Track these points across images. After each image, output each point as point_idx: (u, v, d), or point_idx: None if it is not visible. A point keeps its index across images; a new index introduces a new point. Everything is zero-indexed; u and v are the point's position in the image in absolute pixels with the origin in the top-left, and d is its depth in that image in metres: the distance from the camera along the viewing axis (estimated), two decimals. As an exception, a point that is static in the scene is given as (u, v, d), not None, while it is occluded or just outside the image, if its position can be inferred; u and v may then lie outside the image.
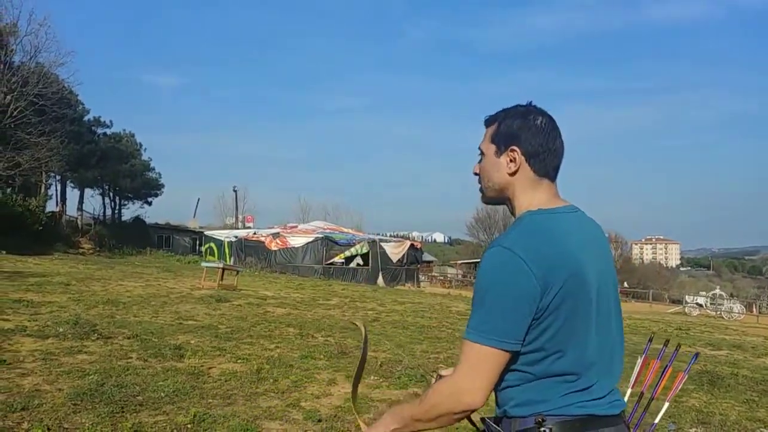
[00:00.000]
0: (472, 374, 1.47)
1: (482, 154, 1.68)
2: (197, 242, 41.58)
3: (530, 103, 1.66)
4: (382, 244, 33.90)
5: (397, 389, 6.39)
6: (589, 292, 1.50)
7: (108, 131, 40.83)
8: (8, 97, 26.21)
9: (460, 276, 47.19)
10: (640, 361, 2.46)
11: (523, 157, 1.60)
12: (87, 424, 4.37)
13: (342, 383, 6.45)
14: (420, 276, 36.95)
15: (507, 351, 1.46)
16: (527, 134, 1.59)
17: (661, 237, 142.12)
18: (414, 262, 35.75)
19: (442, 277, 44.56)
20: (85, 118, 38.33)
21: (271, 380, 6.27)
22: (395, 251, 33.60)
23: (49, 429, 4.24)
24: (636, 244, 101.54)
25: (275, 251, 33.29)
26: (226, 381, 6.06)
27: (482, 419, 1.64)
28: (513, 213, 1.64)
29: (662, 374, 2.38)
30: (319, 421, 5.08)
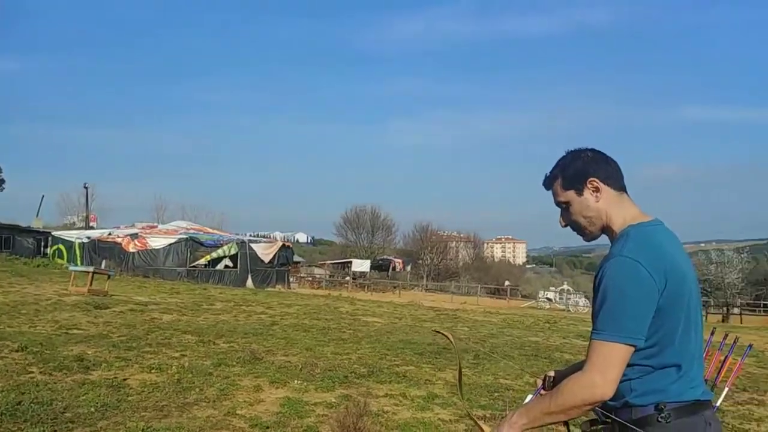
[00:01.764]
0: (604, 369, 1.67)
1: (566, 204, 1.92)
2: (42, 244, 38.27)
3: (568, 150, 1.96)
4: (252, 244, 33.22)
5: (325, 391, 6.43)
6: (688, 293, 1.77)
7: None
8: None
9: (328, 276, 47.44)
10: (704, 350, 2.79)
11: (601, 183, 1.86)
12: (24, 447, 4.02)
13: (269, 389, 6.39)
14: (289, 277, 36.69)
15: (634, 346, 1.67)
16: (592, 166, 1.88)
17: (510, 237, 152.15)
18: (285, 263, 35.40)
19: (310, 278, 44.55)
20: None
21: (197, 389, 6.08)
22: (266, 252, 33.06)
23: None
24: (488, 243, 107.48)
25: (133, 253, 31.43)
26: (150, 392, 5.80)
27: (596, 411, 1.82)
28: (612, 233, 1.87)
29: (723, 364, 2.70)
30: (267, 428, 5.03)
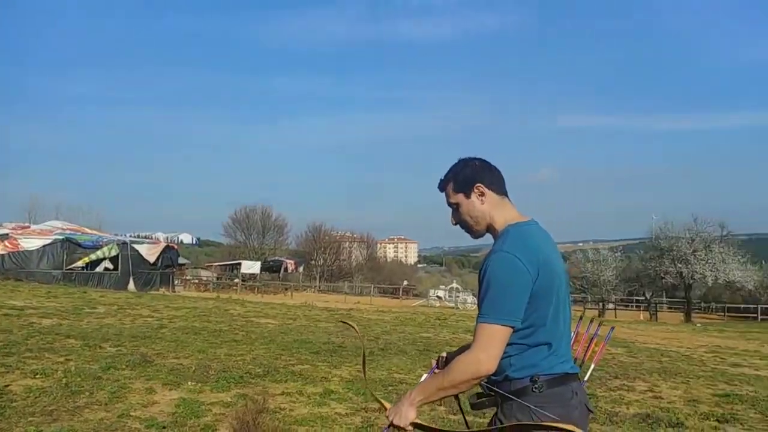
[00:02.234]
0: (488, 347, 1.97)
1: (456, 205, 2.23)
2: None
3: (459, 159, 2.28)
4: (135, 245, 31.98)
5: (220, 392, 6.49)
6: (558, 283, 2.10)
7: None
8: None
9: (216, 278, 46.38)
10: (572, 335, 3.18)
11: (486, 188, 2.18)
12: None
13: (162, 391, 6.37)
14: (174, 279, 35.61)
15: (512, 327, 1.99)
16: (479, 174, 2.20)
17: (402, 237, 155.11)
18: (170, 265, 34.35)
19: (196, 281, 43.39)
20: None
21: (87, 393, 5.97)
22: (150, 253, 31.94)
23: None
24: (381, 243, 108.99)
25: (3, 255, 29.44)
26: (36, 398, 5.64)
27: (482, 385, 2.12)
28: (494, 232, 2.19)
29: (589, 344, 3.09)
30: (164, 428, 5.05)
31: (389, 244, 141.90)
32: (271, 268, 53.34)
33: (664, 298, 43.20)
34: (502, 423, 2.01)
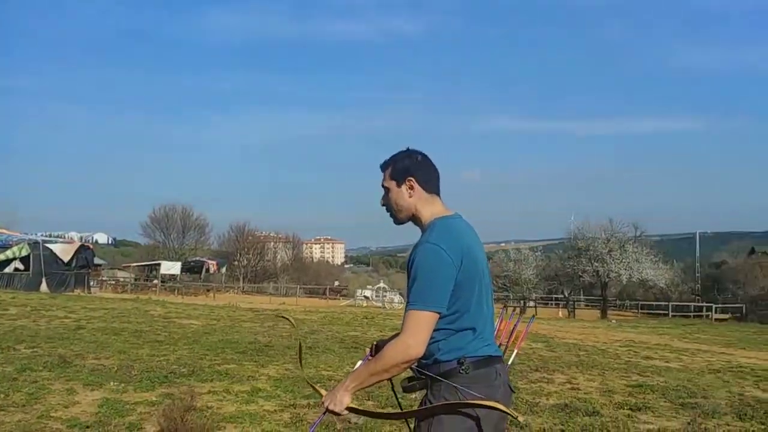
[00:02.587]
0: (416, 333, 2.10)
1: (388, 189, 2.36)
2: None
3: (408, 148, 2.41)
4: (48, 245, 30.65)
5: (145, 391, 6.41)
6: (480, 271, 2.26)
7: None
8: None
9: (134, 279, 45.01)
10: (497, 323, 3.41)
11: (417, 184, 2.31)
12: None
13: (83, 391, 6.24)
14: (90, 280, 34.35)
15: (438, 313, 2.13)
16: (416, 168, 2.33)
17: (329, 237, 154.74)
18: (84, 266, 33.08)
19: (113, 282, 42.00)
20: None
21: (1, 395, 5.79)
22: (64, 253, 30.68)
23: None
24: (307, 243, 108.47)
25: None
26: (-54, 401, 5.40)
27: (413, 369, 2.26)
28: (421, 224, 2.33)
29: (512, 331, 3.30)
30: (87, 427, 4.98)
31: (315, 244, 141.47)
32: (192, 268, 52.17)
33: (582, 296, 44.95)
34: (432, 403, 2.14)
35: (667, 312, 37.29)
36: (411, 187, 2.30)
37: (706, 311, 37.06)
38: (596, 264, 37.05)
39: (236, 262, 60.60)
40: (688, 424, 6.05)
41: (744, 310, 34.92)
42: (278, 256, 69.74)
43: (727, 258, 55.46)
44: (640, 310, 40.35)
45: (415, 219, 2.33)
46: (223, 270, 55.78)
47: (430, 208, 2.30)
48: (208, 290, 43.33)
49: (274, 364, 8.65)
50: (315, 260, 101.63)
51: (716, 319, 34.44)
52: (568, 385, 8.21)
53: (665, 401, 7.34)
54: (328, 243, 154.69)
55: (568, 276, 40.17)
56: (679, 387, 8.24)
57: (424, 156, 2.37)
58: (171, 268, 48.44)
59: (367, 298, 46.14)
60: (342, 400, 2.16)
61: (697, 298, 43.90)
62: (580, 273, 38.31)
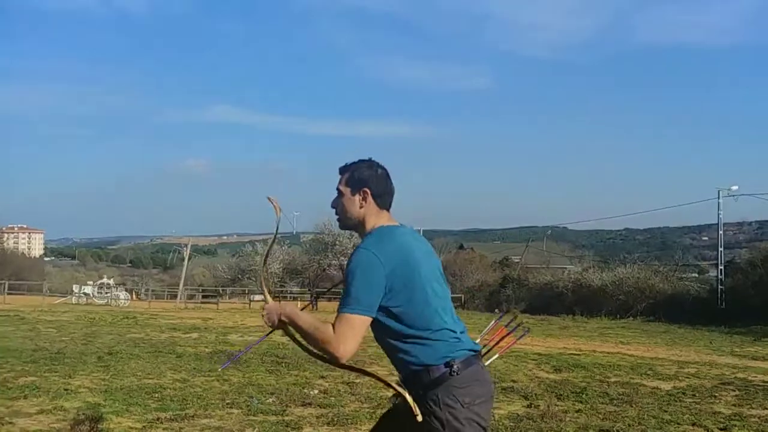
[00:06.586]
0: (347, 340, 2.20)
1: (340, 193, 2.46)
2: None
3: (370, 158, 2.52)
4: None
5: None
6: (422, 276, 2.31)
7: None
8: None
9: None
10: (491, 324, 3.47)
11: (371, 196, 2.40)
12: None
13: None
14: None
15: (369, 317, 2.23)
16: (374, 181, 2.41)
17: (25, 226, 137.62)
18: None
19: None
20: None
21: None
22: None
23: None
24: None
25: None
26: None
27: (398, 382, 2.33)
28: (363, 232, 2.42)
29: (503, 338, 3.44)
30: None
31: (8, 233, 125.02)
32: None
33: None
34: (434, 411, 2.22)
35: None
36: (364, 198, 2.40)
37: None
38: (342, 258, 38.86)
39: None
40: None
41: (463, 299, 38.99)
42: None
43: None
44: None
45: (358, 227, 2.44)
46: None
47: (374, 220, 2.42)
48: None
49: (80, 374, 7.64)
50: (8, 252, 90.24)
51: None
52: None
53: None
54: (23, 232, 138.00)
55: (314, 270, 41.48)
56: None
57: (385, 171, 2.47)
58: None
59: (87, 295, 42.53)
60: (274, 320, 2.32)
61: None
62: (325, 267, 39.83)
